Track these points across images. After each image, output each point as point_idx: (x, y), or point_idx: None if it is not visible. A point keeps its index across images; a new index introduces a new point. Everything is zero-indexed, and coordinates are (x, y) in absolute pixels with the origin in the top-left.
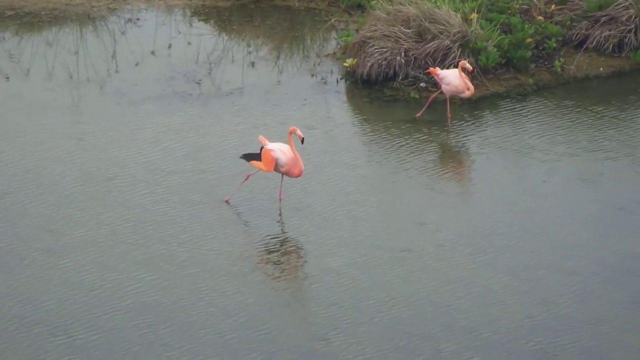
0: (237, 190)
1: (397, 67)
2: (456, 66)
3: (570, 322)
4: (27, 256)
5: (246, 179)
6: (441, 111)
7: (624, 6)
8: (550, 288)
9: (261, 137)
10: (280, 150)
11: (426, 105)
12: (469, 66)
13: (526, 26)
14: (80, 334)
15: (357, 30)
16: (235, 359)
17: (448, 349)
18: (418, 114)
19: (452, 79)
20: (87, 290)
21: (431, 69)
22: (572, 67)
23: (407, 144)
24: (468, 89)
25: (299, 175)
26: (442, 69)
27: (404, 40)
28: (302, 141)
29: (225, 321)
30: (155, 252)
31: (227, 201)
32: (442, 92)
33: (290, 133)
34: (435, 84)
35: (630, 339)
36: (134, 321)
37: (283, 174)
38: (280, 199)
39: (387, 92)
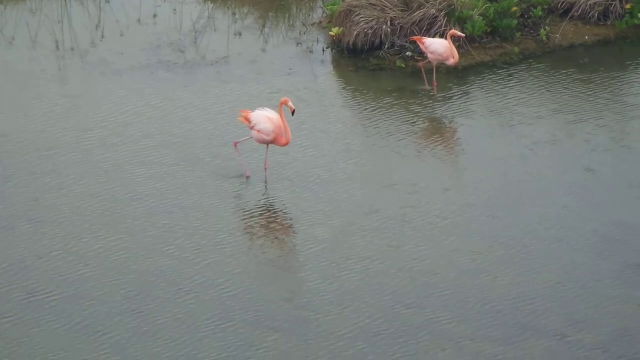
0: (242, 161)
1: (383, 36)
2: (442, 35)
3: (560, 290)
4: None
5: (235, 145)
6: (427, 80)
7: None
8: (537, 256)
9: (243, 111)
10: (267, 117)
11: (424, 76)
12: (460, 33)
13: None
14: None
15: None
16: (220, 328)
17: (436, 317)
18: (426, 87)
19: (437, 46)
20: (73, 257)
21: (416, 37)
22: (558, 35)
23: (393, 112)
24: (453, 57)
25: (286, 145)
26: (428, 37)
27: (390, 9)
28: (293, 113)
29: (209, 291)
30: (138, 221)
31: (247, 177)
32: (428, 61)
33: (282, 104)
34: (421, 53)
35: (616, 307)
36: (118, 289)
37: (270, 142)
38: (265, 169)
39: (373, 61)
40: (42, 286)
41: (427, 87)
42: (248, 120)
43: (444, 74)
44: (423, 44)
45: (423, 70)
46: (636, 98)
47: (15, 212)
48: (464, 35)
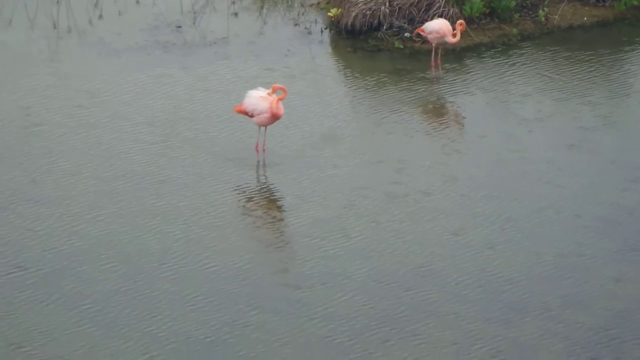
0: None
1: (381, 17)
2: (440, 16)
3: (557, 270)
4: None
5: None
6: (425, 61)
7: None
8: (534, 237)
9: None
10: (259, 97)
11: (433, 56)
12: (462, 27)
13: None
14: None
15: None
16: (215, 308)
17: (432, 297)
18: (433, 64)
19: (434, 25)
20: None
21: (418, 29)
22: (556, 16)
23: (390, 93)
24: (454, 36)
25: (279, 117)
26: (426, 19)
27: None
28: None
29: (200, 270)
30: (134, 202)
31: (259, 150)
32: (429, 42)
33: (274, 90)
34: (419, 35)
35: (612, 288)
36: (111, 271)
37: (271, 121)
38: (264, 150)
39: (371, 42)
40: (33, 264)
41: (434, 70)
42: (244, 112)
43: (442, 55)
44: (423, 31)
45: (433, 52)
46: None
47: (9, 190)
48: (463, 27)
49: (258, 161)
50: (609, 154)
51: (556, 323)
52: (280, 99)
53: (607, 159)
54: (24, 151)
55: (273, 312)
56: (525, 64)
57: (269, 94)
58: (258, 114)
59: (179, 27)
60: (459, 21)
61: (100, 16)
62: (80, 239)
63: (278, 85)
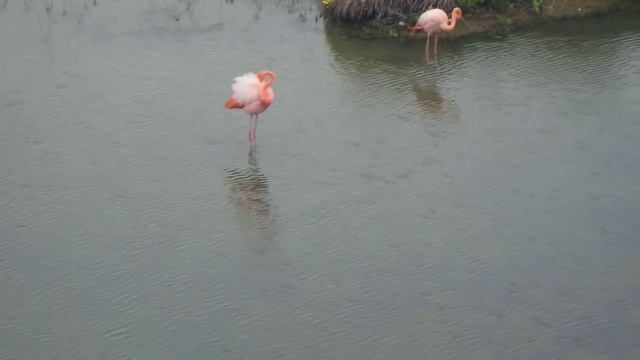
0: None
1: (376, 5)
2: (435, 5)
3: (548, 262)
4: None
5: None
6: (420, 50)
7: None
8: (525, 227)
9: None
10: (247, 85)
11: (427, 45)
12: (458, 15)
13: None
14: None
15: None
16: (207, 297)
17: (424, 286)
18: (427, 53)
19: (428, 14)
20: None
21: (415, 26)
22: (551, 7)
23: (385, 81)
24: (449, 24)
25: (269, 103)
26: (420, 7)
27: None
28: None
29: (195, 258)
30: (127, 190)
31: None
32: (425, 32)
33: (261, 77)
34: (413, 24)
35: (603, 279)
36: (106, 254)
37: (262, 109)
38: (251, 138)
39: (365, 31)
40: (32, 251)
41: (428, 60)
42: (235, 105)
43: (436, 45)
44: (420, 25)
45: (428, 41)
46: (631, 72)
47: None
48: (459, 16)
49: (251, 148)
50: (608, 146)
51: (548, 314)
52: (268, 85)
53: (608, 152)
54: (17, 137)
55: (268, 299)
56: (519, 54)
57: (257, 79)
58: (248, 103)
59: (177, 19)
60: (455, 9)
61: (95, 2)
62: (80, 226)
63: (264, 71)
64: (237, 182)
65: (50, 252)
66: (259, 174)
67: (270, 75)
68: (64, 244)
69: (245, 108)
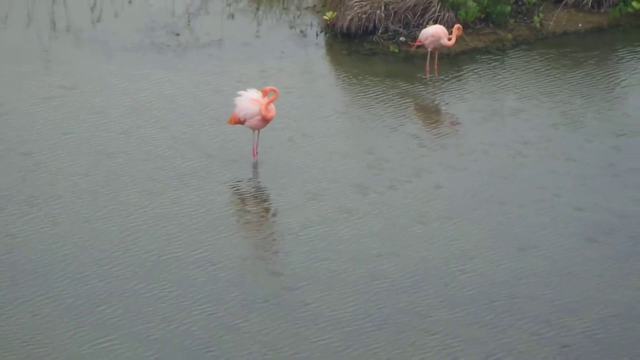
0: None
1: (377, 21)
2: (436, 21)
3: (547, 276)
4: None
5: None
6: (420, 65)
7: None
8: (524, 242)
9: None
10: (249, 100)
11: (428, 60)
12: (459, 31)
13: None
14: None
15: None
16: (206, 309)
17: (424, 301)
18: (428, 68)
19: (429, 30)
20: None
21: (417, 42)
22: (551, 22)
23: (385, 96)
24: (449, 39)
25: (271, 119)
26: (421, 23)
27: None
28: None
29: (195, 271)
30: (126, 202)
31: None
32: (425, 47)
33: (265, 93)
34: (414, 39)
35: (602, 294)
36: (107, 268)
37: (264, 124)
38: (256, 153)
39: (366, 46)
40: (31, 265)
41: (429, 75)
42: (237, 121)
43: (437, 60)
44: (420, 41)
45: (428, 56)
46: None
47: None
48: (459, 32)
49: (254, 163)
50: (609, 163)
51: (547, 328)
52: (271, 101)
53: (608, 169)
54: (16, 150)
55: (267, 313)
56: (520, 69)
57: (260, 94)
58: (249, 118)
59: (178, 34)
60: (456, 25)
61: (98, 19)
62: (80, 240)
63: (268, 87)
64: (231, 194)
65: (37, 263)
66: (253, 185)
67: (274, 91)
68: (52, 254)
69: (247, 123)
